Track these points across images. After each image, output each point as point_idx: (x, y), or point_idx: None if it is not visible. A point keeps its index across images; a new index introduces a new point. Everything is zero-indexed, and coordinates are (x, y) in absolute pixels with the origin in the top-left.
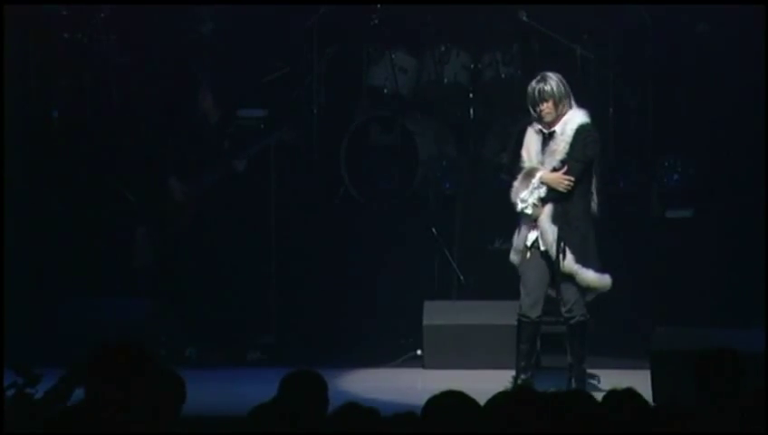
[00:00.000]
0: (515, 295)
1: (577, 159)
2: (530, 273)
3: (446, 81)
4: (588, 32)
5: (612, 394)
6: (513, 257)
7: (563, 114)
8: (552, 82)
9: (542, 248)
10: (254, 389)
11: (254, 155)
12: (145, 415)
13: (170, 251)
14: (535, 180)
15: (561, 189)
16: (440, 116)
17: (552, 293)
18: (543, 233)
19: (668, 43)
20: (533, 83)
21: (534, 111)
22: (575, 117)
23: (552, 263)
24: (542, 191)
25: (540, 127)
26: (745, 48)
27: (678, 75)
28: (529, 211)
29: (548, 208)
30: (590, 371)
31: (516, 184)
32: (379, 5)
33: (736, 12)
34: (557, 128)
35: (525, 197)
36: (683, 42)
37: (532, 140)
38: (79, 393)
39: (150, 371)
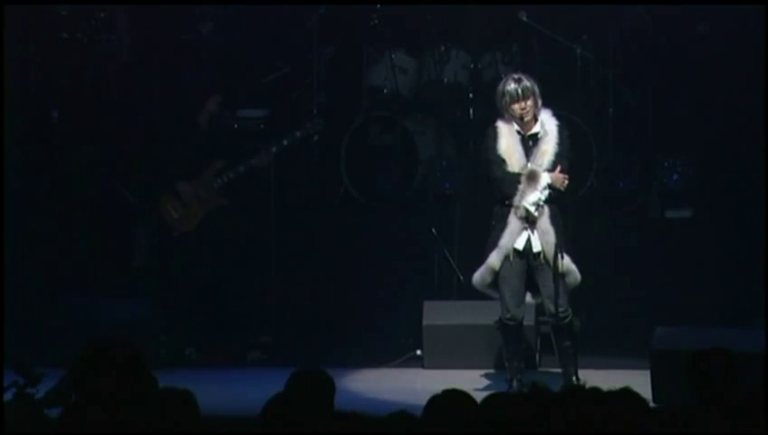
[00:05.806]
0: None
1: (566, 156)
2: (513, 276)
3: (446, 81)
4: (588, 32)
5: (611, 394)
6: (495, 261)
7: (538, 114)
8: (530, 80)
9: (536, 250)
10: (254, 389)
11: (283, 149)
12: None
13: (170, 251)
14: (543, 182)
15: (562, 189)
16: (440, 116)
17: (531, 297)
18: (545, 234)
19: (668, 43)
20: (512, 84)
21: (514, 110)
22: (547, 117)
23: (531, 266)
24: (547, 192)
25: (517, 129)
26: (745, 48)
27: (678, 75)
28: (537, 214)
29: (546, 210)
30: (590, 371)
31: (521, 188)
32: (378, 5)
33: (736, 12)
34: (537, 129)
35: (535, 200)
36: (683, 42)
37: (510, 142)
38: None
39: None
